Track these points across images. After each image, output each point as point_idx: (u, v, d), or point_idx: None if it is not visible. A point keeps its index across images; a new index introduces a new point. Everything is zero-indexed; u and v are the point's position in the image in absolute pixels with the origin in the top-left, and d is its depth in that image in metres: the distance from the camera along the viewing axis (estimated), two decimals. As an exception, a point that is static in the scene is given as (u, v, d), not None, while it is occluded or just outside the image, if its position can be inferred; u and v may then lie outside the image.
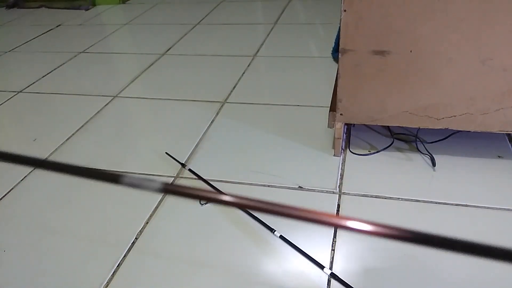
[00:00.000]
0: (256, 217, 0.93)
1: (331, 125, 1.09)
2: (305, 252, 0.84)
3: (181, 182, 1.09)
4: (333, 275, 0.79)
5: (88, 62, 1.93)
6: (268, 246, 0.87)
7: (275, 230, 0.89)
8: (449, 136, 1.14)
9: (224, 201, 0.32)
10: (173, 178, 1.10)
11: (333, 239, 0.88)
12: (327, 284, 0.78)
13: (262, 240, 0.89)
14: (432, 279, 0.78)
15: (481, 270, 0.79)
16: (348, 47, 0.95)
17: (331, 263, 0.83)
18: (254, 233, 0.91)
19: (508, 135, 1.16)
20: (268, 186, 1.05)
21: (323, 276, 0.80)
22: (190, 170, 1.11)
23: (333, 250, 0.86)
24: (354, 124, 1.23)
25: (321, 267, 0.81)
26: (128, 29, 2.36)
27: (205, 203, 0.99)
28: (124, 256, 0.89)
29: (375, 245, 0.86)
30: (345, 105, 1.04)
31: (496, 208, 0.92)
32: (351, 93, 1.02)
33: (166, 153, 1.18)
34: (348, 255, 0.84)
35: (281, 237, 0.88)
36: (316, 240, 0.88)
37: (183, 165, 1.13)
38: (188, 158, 1.18)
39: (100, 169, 0.36)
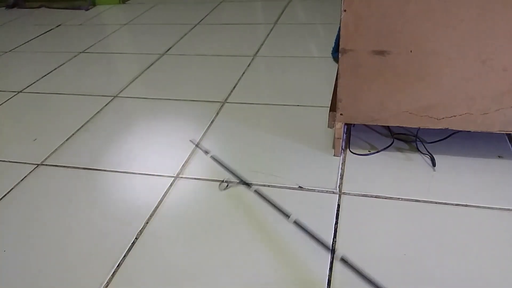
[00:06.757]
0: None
1: (331, 125, 1.09)
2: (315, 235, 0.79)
3: (181, 182, 1.09)
4: (343, 260, 0.76)
5: (88, 62, 1.93)
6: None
7: (290, 215, 0.85)
8: (449, 136, 1.14)
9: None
10: (172, 178, 1.10)
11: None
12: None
13: (262, 233, 0.89)
14: (431, 280, 0.78)
15: (481, 271, 0.79)
16: (348, 47, 0.95)
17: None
18: (253, 233, 0.91)
19: (508, 135, 1.16)
20: (268, 186, 1.05)
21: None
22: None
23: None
24: (354, 124, 1.23)
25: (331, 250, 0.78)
26: (128, 29, 2.36)
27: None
28: (124, 256, 0.89)
29: (377, 242, 0.86)
30: (345, 105, 1.04)
31: (496, 208, 0.92)
32: (351, 93, 1.02)
33: (190, 141, 1.22)
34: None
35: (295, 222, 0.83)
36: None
37: (206, 152, 1.16)
38: (188, 157, 1.18)
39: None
